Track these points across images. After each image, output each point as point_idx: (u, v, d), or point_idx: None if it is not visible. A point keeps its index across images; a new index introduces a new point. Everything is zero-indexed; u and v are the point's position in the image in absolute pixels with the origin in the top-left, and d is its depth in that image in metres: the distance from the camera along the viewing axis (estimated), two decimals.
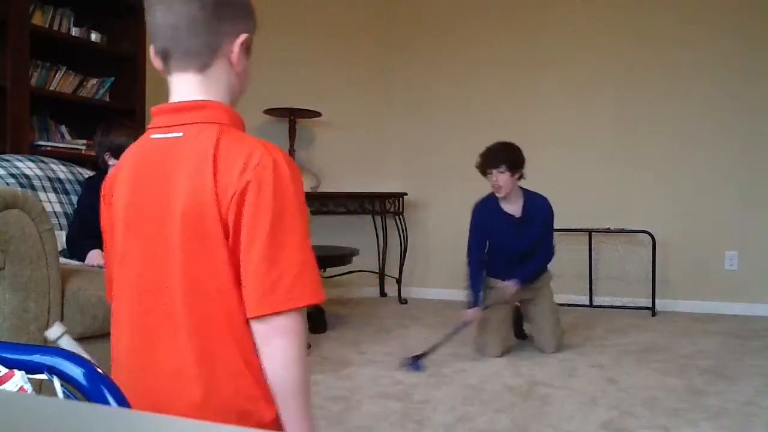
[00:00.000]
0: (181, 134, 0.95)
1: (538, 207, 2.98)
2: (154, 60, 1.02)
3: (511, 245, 2.99)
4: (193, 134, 0.94)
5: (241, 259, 0.90)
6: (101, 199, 1.06)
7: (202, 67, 0.97)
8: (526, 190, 3.04)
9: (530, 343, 3.11)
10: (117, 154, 2.42)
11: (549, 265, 3.10)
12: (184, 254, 0.91)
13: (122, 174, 1.01)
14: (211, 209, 0.89)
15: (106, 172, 2.49)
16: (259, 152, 0.90)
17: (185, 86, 0.99)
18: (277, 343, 0.92)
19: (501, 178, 2.90)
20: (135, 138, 2.51)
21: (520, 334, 3.26)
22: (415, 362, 2.71)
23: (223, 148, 0.91)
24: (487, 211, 3.01)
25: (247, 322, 0.92)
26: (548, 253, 3.03)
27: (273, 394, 0.94)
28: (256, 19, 1.04)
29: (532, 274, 2.97)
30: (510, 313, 3.06)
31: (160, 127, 0.98)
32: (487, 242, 3.04)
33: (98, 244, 2.33)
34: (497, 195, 2.96)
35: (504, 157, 2.92)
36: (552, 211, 3.01)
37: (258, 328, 0.92)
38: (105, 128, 2.51)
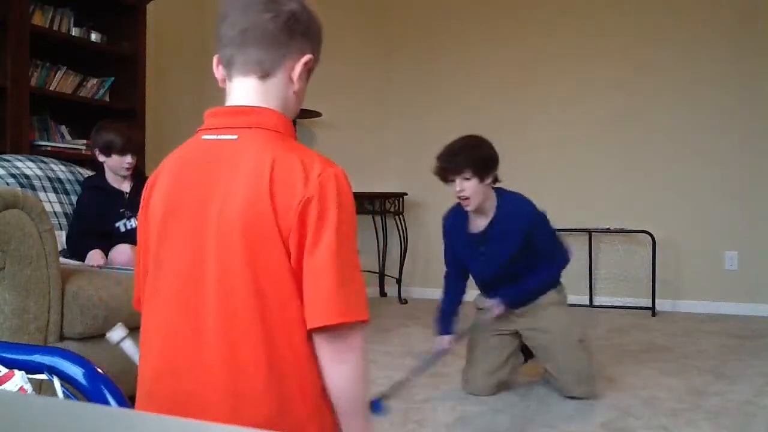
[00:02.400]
0: (236, 137, 0.94)
1: (509, 218, 2.28)
2: (216, 69, 1.03)
3: (480, 269, 2.37)
4: (248, 138, 0.94)
5: (306, 269, 0.88)
6: (141, 201, 1.03)
7: (264, 76, 0.99)
8: (504, 194, 2.35)
9: (549, 386, 2.39)
10: (105, 151, 2.43)
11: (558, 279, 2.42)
12: (244, 263, 0.88)
13: (164, 174, 0.99)
14: (269, 218, 0.87)
15: (104, 171, 2.49)
16: (320, 164, 0.91)
17: (243, 92, 0.99)
18: (350, 358, 0.90)
19: (467, 186, 2.23)
20: (122, 135, 2.52)
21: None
22: (377, 403, 1.94)
23: (281, 156, 0.91)
24: (455, 226, 2.42)
25: (307, 334, 0.88)
26: (551, 265, 2.32)
27: (338, 410, 0.90)
28: (321, 48, 1.08)
29: (525, 292, 2.29)
30: (504, 341, 2.38)
31: (212, 129, 0.98)
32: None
33: (98, 244, 2.34)
34: (465, 208, 2.31)
35: (468, 158, 2.22)
36: (533, 216, 2.31)
37: (326, 342, 0.89)
38: (97, 127, 2.52)
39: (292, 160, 0.90)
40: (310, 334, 0.89)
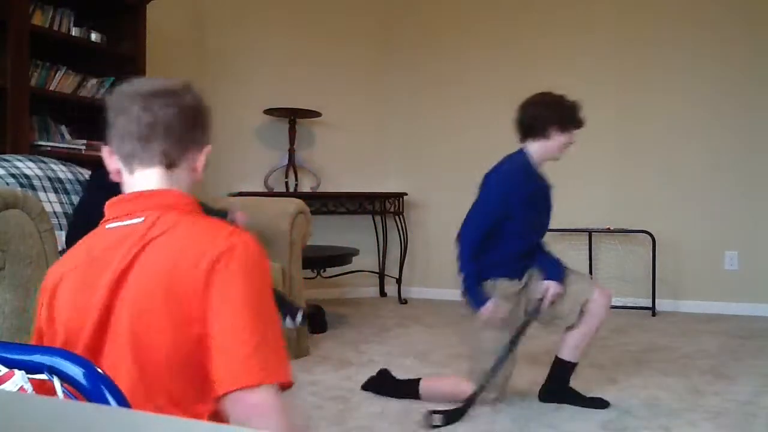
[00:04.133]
0: (142, 219, 0.95)
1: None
2: (109, 159, 1.03)
3: (540, 219, 2.34)
4: (154, 218, 0.94)
5: (214, 335, 0.86)
6: (42, 290, 1.00)
7: (168, 166, 1.01)
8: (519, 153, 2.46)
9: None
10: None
11: None
12: (152, 334, 0.87)
13: (70, 275, 0.96)
14: (180, 288, 0.87)
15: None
16: (226, 233, 0.92)
17: (147, 180, 1.00)
18: (268, 422, 0.84)
19: (573, 138, 2.34)
20: None
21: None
22: (446, 416, 2.02)
23: (186, 230, 0.93)
24: (523, 178, 2.32)
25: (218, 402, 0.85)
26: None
27: None
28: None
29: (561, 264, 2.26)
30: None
31: (115, 218, 0.98)
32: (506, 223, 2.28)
33: None
34: (560, 156, 2.40)
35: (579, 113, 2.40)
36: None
37: (237, 405, 0.84)
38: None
39: (200, 233, 0.93)
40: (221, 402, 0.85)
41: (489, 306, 2.20)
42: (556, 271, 2.21)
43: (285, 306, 2.48)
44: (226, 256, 0.88)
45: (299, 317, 2.45)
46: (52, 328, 0.95)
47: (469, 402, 2.04)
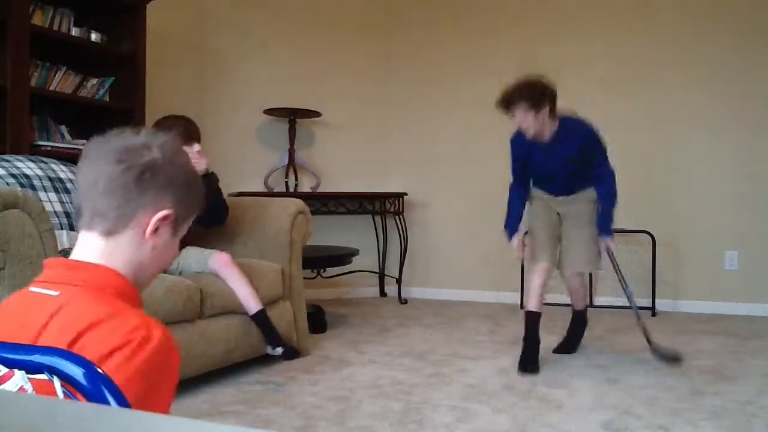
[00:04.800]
0: (57, 293, 0.85)
1: (571, 131, 2.73)
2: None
3: (542, 168, 2.82)
4: (69, 296, 0.85)
5: None
6: None
7: (108, 232, 0.91)
8: (565, 117, 2.76)
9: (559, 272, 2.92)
10: None
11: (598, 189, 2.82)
12: None
13: None
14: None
15: None
16: (131, 325, 0.80)
17: (86, 247, 0.92)
18: None
19: (524, 119, 2.62)
20: (183, 127, 2.49)
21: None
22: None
23: (94, 317, 0.81)
24: (519, 141, 2.79)
25: None
26: (607, 178, 2.78)
27: None
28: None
29: (609, 215, 2.75)
30: (554, 222, 2.89)
31: (42, 282, 0.89)
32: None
33: None
34: (526, 136, 2.68)
35: (523, 94, 2.61)
36: (591, 134, 2.79)
37: None
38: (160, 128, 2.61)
39: (106, 323, 0.81)
40: None
41: None
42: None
43: (272, 336, 2.58)
44: (118, 352, 0.78)
45: (278, 350, 2.61)
46: None
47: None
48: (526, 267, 2.95)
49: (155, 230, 0.92)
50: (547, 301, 2.86)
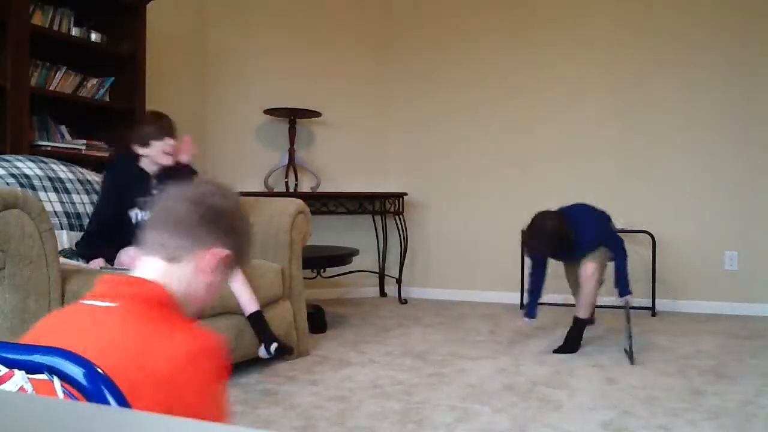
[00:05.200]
0: (115, 305, 0.92)
1: (587, 231, 3.09)
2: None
3: (570, 260, 3.24)
4: (125, 308, 0.92)
5: None
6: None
7: (170, 259, 1.00)
8: (579, 231, 3.06)
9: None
10: (142, 142, 2.49)
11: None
12: None
13: (37, 335, 0.95)
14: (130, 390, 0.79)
15: (129, 160, 2.52)
16: (182, 339, 0.89)
17: (147, 267, 1.01)
18: None
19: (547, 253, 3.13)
20: (160, 125, 2.59)
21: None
22: None
23: (149, 331, 0.89)
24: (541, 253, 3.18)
25: None
26: (619, 248, 3.10)
27: None
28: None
29: (622, 273, 3.07)
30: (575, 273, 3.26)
31: (94, 296, 0.95)
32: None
33: (110, 243, 2.36)
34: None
35: (545, 244, 3.03)
36: (603, 236, 3.14)
37: None
38: (138, 123, 2.63)
39: (159, 336, 0.89)
40: None
41: None
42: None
43: (265, 334, 2.56)
44: (178, 375, 0.86)
45: (272, 348, 2.55)
46: None
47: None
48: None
49: (213, 266, 1.02)
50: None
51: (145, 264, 1.01)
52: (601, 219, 3.25)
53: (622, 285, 3.07)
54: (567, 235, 3.00)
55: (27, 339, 0.94)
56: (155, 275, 0.99)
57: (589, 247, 3.09)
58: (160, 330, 0.90)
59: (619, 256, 3.11)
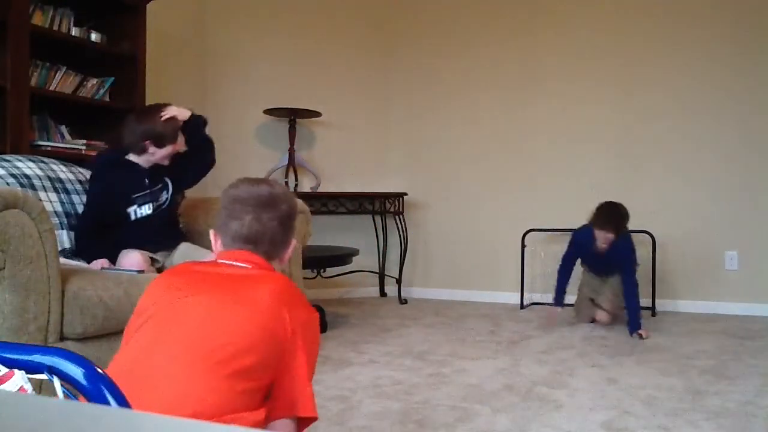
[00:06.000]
0: (249, 266, 1.22)
1: (619, 249, 3.49)
2: (215, 242, 1.30)
3: (595, 269, 3.78)
4: (258, 270, 1.22)
5: (291, 369, 1.15)
6: (165, 274, 1.26)
7: (267, 258, 1.27)
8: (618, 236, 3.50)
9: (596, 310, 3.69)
10: (159, 142, 2.44)
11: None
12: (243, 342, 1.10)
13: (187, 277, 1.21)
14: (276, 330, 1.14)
15: (116, 157, 2.49)
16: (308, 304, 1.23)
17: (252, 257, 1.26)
18: None
19: (605, 237, 3.42)
20: (174, 128, 2.59)
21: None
22: None
23: (282, 292, 1.18)
24: (582, 242, 3.62)
25: None
26: (633, 288, 3.47)
27: None
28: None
29: (635, 310, 3.42)
30: (588, 299, 3.76)
31: (228, 258, 1.24)
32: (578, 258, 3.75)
33: (105, 243, 2.34)
34: (599, 248, 3.49)
35: (614, 223, 3.41)
36: (629, 254, 3.56)
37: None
38: (140, 115, 2.52)
39: (290, 293, 1.19)
40: None
41: None
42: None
43: None
44: (307, 314, 1.18)
45: None
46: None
47: None
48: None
49: (291, 256, 1.32)
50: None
51: (252, 257, 1.24)
52: (630, 239, 3.60)
53: (633, 320, 3.38)
54: (626, 221, 3.45)
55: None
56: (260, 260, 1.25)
57: (620, 260, 3.51)
58: (294, 292, 1.20)
59: (631, 287, 3.45)
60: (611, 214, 3.44)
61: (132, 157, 2.49)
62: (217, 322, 1.08)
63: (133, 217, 2.43)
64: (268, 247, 1.25)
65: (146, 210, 2.44)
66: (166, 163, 2.51)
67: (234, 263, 1.22)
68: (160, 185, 2.50)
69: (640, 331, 3.29)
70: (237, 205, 1.24)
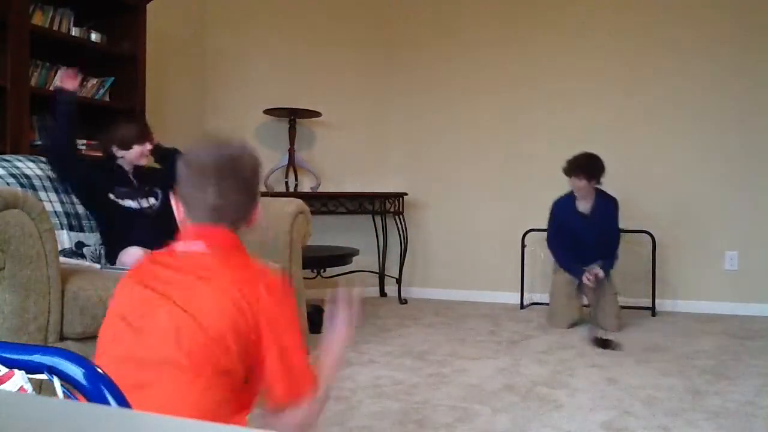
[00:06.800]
0: (209, 251, 1.16)
1: (605, 206, 3.53)
2: (177, 210, 1.23)
3: (581, 236, 3.56)
4: (214, 251, 1.15)
5: (271, 354, 1.11)
6: (130, 275, 1.21)
7: (233, 227, 1.21)
8: (600, 191, 3.57)
9: (592, 324, 3.42)
10: (124, 144, 2.54)
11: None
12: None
13: (147, 271, 1.17)
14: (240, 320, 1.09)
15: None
16: (262, 273, 1.16)
17: (216, 237, 1.20)
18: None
19: (578, 183, 3.47)
20: (138, 129, 2.70)
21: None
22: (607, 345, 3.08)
23: (239, 271, 1.14)
24: (562, 207, 3.61)
25: None
26: (617, 238, 3.57)
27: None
28: None
29: (611, 260, 3.53)
30: (575, 295, 3.61)
31: (188, 241, 1.18)
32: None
33: (113, 245, 2.38)
34: (576, 194, 3.54)
35: (583, 167, 3.46)
36: (616, 206, 3.56)
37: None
38: (108, 128, 2.65)
39: (246, 275, 1.14)
40: None
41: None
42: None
43: None
44: (267, 291, 1.11)
45: None
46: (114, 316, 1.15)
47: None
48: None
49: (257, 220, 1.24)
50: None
51: (214, 231, 1.18)
52: (616, 205, 3.62)
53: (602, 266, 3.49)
54: (599, 168, 3.47)
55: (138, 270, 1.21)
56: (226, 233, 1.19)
57: (607, 223, 3.52)
58: (246, 268, 1.16)
59: (612, 257, 3.56)
60: (581, 159, 3.47)
61: (119, 162, 2.59)
62: (184, 328, 1.07)
63: (120, 204, 2.45)
64: (232, 216, 1.20)
65: (130, 203, 2.47)
66: (143, 162, 2.59)
67: (193, 248, 1.16)
68: (147, 188, 2.56)
69: (595, 271, 3.44)
70: (197, 176, 1.17)
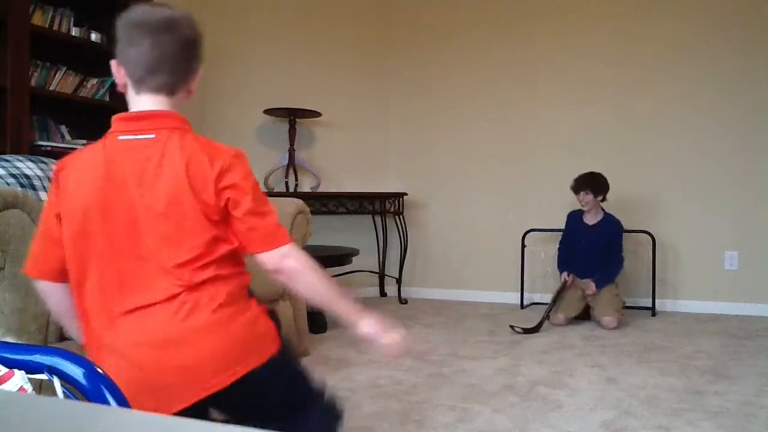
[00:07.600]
0: (153, 136, 1.15)
1: (609, 224, 3.82)
2: (117, 73, 1.21)
3: (583, 245, 3.85)
4: (165, 136, 1.15)
5: (236, 219, 1.16)
6: (51, 180, 1.20)
7: (171, 93, 1.20)
8: (606, 212, 3.87)
9: (592, 321, 3.72)
10: None
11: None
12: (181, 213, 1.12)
13: (87, 168, 1.15)
14: (189, 194, 1.12)
15: None
16: (222, 146, 1.19)
17: (151, 103, 1.19)
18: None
19: (585, 198, 3.79)
20: None
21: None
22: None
23: (192, 146, 1.15)
24: (573, 217, 3.96)
25: None
26: (618, 262, 3.81)
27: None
28: None
29: (606, 278, 3.74)
30: (578, 299, 3.79)
31: (128, 131, 1.16)
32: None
33: None
34: (583, 209, 3.86)
35: (589, 183, 3.80)
36: (620, 228, 3.82)
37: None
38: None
39: (201, 148, 1.16)
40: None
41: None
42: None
43: None
44: (230, 169, 1.15)
45: None
46: (59, 203, 1.16)
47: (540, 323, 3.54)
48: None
49: (197, 85, 1.25)
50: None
51: (149, 99, 1.18)
52: (620, 225, 3.89)
53: (601, 278, 3.74)
54: (602, 184, 3.80)
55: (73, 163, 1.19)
56: (159, 105, 1.19)
57: (611, 236, 3.79)
58: (196, 145, 1.16)
59: (617, 263, 3.81)
60: (586, 177, 3.85)
61: None
62: (154, 220, 1.12)
63: None
64: (169, 77, 1.18)
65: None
66: None
67: (138, 137, 1.16)
68: None
69: (592, 284, 3.70)
70: (134, 31, 1.16)
